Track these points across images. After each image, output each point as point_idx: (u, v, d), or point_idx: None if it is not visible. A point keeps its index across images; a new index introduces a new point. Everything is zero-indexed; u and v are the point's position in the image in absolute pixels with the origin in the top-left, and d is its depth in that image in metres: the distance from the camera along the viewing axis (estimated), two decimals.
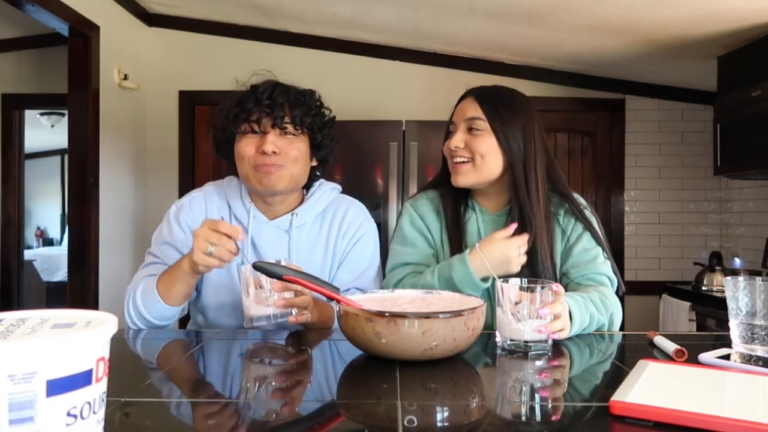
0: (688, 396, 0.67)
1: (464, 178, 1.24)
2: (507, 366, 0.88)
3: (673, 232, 3.58)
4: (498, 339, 0.96)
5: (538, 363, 0.87)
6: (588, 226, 1.24)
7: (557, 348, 0.96)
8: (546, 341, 0.93)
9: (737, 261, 3.17)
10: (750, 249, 3.32)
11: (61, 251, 5.84)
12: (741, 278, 0.90)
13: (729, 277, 0.91)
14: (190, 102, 3.49)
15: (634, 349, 1.01)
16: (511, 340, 0.93)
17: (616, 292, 1.23)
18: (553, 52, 3.18)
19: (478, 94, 1.26)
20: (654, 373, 0.75)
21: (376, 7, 2.85)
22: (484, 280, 1.14)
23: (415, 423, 0.62)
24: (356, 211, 1.37)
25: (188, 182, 3.43)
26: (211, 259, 1.06)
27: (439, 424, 0.64)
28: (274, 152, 1.21)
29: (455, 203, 1.30)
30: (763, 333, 0.86)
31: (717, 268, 2.91)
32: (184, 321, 1.40)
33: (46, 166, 7.13)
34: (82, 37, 2.78)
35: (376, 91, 3.48)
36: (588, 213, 1.27)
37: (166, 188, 3.47)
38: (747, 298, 0.88)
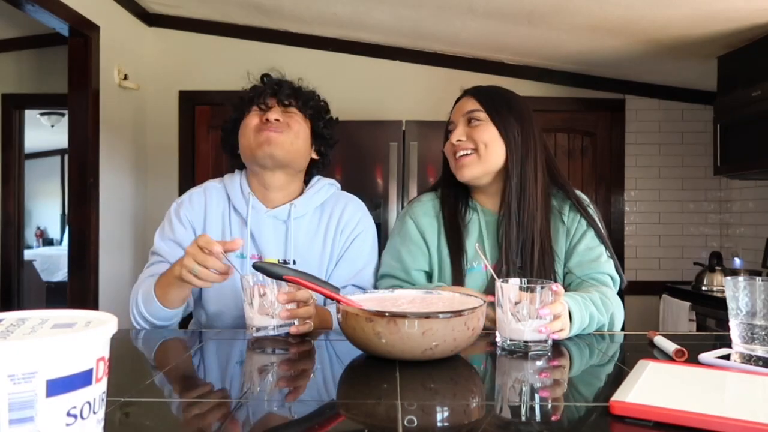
0: (688, 396, 0.67)
1: (469, 170, 1.24)
2: (507, 366, 0.88)
3: (673, 232, 3.58)
4: (498, 339, 0.96)
5: (538, 363, 0.87)
6: (591, 223, 1.24)
7: (557, 348, 0.96)
8: (546, 341, 0.93)
9: (737, 261, 3.17)
10: (750, 249, 3.32)
11: (61, 251, 5.84)
12: (741, 278, 0.90)
13: (729, 277, 0.91)
14: (190, 102, 3.49)
15: (634, 349, 1.01)
16: (511, 340, 0.93)
17: (620, 288, 1.23)
18: (553, 52, 3.19)
19: (474, 92, 1.30)
20: (654, 373, 0.75)
21: (376, 7, 2.85)
22: None
23: (415, 423, 0.62)
24: (355, 208, 1.38)
25: (188, 182, 3.43)
26: (196, 279, 1.04)
27: (439, 424, 0.64)
28: (276, 120, 1.28)
29: (456, 203, 1.30)
30: (763, 333, 0.86)
31: (717, 268, 2.91)
32: (186, 319, 1.40)
33: (46, 166, 7.13)
34: (82, 37, 2.78)
35: (376, 91, 3.48)
36: (591, 210, 1.27)
37: (166, 188, 3.47)
38: (747, 298, 0.88)
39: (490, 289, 1.21)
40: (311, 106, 1.36)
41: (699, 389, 0.70)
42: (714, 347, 0.91)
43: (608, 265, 1.22)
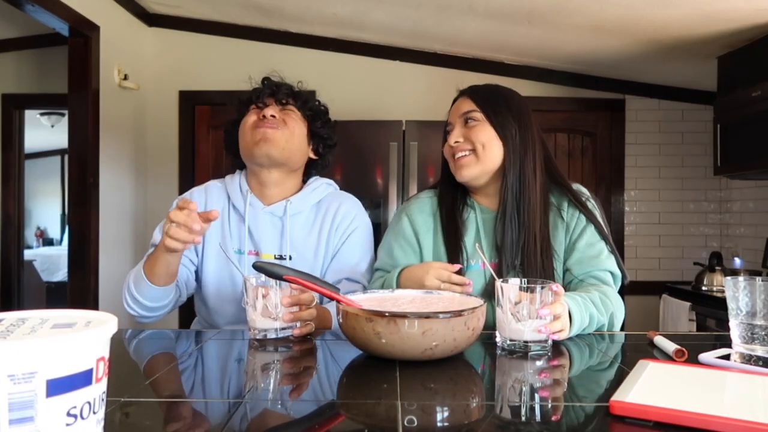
0: (688, 396, 0.67)
1: (468, 170, 1.24)
2: (507, 366, 0.88)
3: (673, 232, 3.58)
4: (498, 339, 0.96)
5: (538, 363, 0.87)
6: (591, 218, 1.23)
7: (557, 348, 0.96)
8: (546, 341, 0.93)
9: (737, 261, 3.17)
10: (750, 249, 3.32)
11: (61, 251, 5.84)
12: (741, 278, 0.90)
13: (729, 277, 0.91)
14: (190, 102, 3.49)
15: (634, 349, 1.01)
16: (511, 340, 0.93)
17: (622, 284, 1.23)
18: (553, 52, 3.19)
19: (469, 92, 1.29)
20: (654, 373, 0.75)
21: (376, 7, 2.85)
22: None
23: (415, 423, 0.62)
24: (350, 205, 1.41)
25: (188, 182, 3.43)
26: (170, 240, 1.10)
27: (439, 424, 0.64)
28: (272, 116, 1.32)
29: (453, 201, 1.30)
30: (763, 333, 0.86)
31: (717, 268, 2.91)
32: (186, 319, 1.41)
33: (46, 166, 7.13)
34: (82, 37, 2.78)
35: (376, 91, 3.48)
36: (591, 205, 1.26)
37: (166, 188, 3.47)
38: (747, 298, 0.88)
39: (489, 288, 1.21)
40: (309, 106, 1.39)
41: (699, 389, 0.70)
42: (714, 347, 0.91)
43: (609, 261, 1.22)
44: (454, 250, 1.25)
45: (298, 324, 1.05)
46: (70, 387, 0.44)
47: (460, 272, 1.14)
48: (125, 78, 3.11)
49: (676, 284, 3.15)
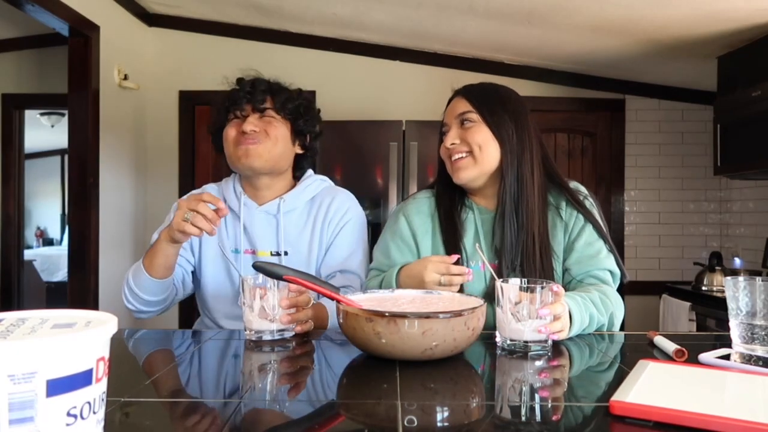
0: (688, 396, 0.67)
1: (465, 172, 1.23)
2: (507, 366, 0.88)
3: (673, 232, 3.58)
4: (498, 339, 0.96)
5: (538, 363, 0.87)
6: (589, 218, 1.23)
7: (557, 348, 0.96)
8: (546, 341, 0.93)
9: (737, 261, 3.17)
10: (750, 249, 3.32)
11: (61, 251, 5.84)
12: (741, 278, 0.89)
13: (729, 277, 0.91)
14: (190, 102, 3.49)
15: (634, 349, 1.01)
16: (511, 340, 0.93)
17: (621, 283, 1.23)
18: (553, 52, 3.19)
19: (464, 92, 1.28)
20: (654, 373, 0.75)
21: (376, 7, 2.85)
22: None
23: (415, 423, 0.62)
24: (342, 199, 1.42)
25: (188, 182, 3.43)
26: (186, 224, 1.13)
27: (439, 424, 0.64)
28: (253, 130, 1.31)
29: (451, 202, 1.30)
30: (763, 333, 0.86)
31: (717, 268, 2.91)
32: (187, 318, 1.41)
33: (46, 166, 7.13)
34: (82, 37, 2.78)
35: (376, 91, 3.48)
36: (589, 204, 1.26)
37: (166, 188, 3.47)
38: (747, 298, 0.88)
39: (489, 288, 1.21)
40: (289, 107, 1.37)
41: (699, 389, 0.70)
42: (714, 347, 0.90)
43: (608, 260, 1.21)
44: (453, 252, 1.24)
45: (295, 326, 1.05)
46: (70, 387, 0.44)
47: (457, 263, 1.13)
48: (125, 78, 3.11)
49: (676, 284, 3.15)
